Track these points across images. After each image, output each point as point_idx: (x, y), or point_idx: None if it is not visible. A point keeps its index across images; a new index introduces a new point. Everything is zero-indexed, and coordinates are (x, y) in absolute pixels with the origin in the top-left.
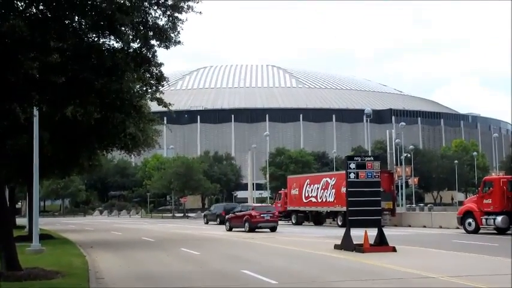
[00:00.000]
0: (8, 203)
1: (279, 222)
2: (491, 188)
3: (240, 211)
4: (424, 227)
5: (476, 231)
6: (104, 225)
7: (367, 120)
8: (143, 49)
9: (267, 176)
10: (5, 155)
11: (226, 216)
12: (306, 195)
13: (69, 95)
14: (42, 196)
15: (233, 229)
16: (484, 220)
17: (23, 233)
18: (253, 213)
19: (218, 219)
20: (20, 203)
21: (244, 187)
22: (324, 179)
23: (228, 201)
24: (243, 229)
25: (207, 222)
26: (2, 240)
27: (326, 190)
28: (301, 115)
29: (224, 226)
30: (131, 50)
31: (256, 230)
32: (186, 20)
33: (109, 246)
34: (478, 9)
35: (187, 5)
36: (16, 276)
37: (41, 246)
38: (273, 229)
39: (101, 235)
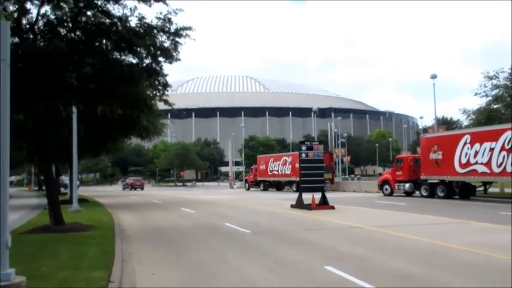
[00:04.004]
0: (54, 176)
1: (251, 189)
2: (401, 164)
3: (129, 180)
4: (354, 191)
5: (391, 194)
6: (124, 192)
7: (314, 116)
8: (153, 64)
9: (243, 155)
10: (51, 141)
11: (122, 184)
12: (270, 169)
13: (98, 98)
14: (79, 171)
15: (125, 189)
16: (396, 186)
17: (65, 198)
18: (132, 181)
19: (129, 187)
20: (63, 176)
21: (226, 164)
22: (283, 158)
23: (214, 174)
24: (128, 188)
25: (124, 189)
26: (52, 203)
27: (285, 166)
28: (267, 112)
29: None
30: (144, 65)
31: (137, 189)
32: (185, 43)
33: (128, 207)
34: (394, 34)
35: (185, 33)
36: (61, 229)
37: (79, 207)
38: (142, 189)
39: (123, 199)
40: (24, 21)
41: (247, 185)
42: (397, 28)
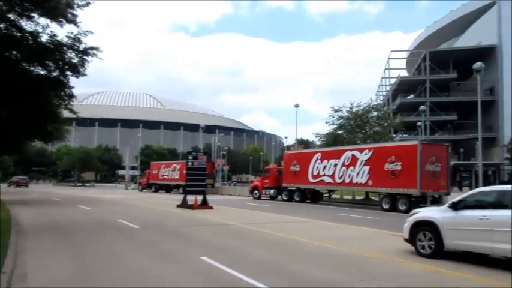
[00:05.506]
0: None
1: (144, 190)
2: (268, 173)
3: (15, 179)
4: (230, 195)
5: (259, 197)
6: (25, 190)
7: (201, 131)
8: (60, 76)
9: (139, 161)
10: None
11: (8, 182)
12: (162, 174)
13: (6, 102)
14: None
15: (10, 186)
16: (264, 191)
17: None
18: (17, 179)
19: (14, 184)
20: None
21: (124, 168)
22: (173, 165)
23: (112, 177)
24: (14, 186)
25: (9, 186)
26: None
27: (174, 171)
28: (162, 125)
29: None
30: (52, 77)
31: (21, 186)
32: (92, 61)
33: (28, 203)
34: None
35: (93, 52)
36: None
37: None
38: (26, 186)
39: (23, 196)
40: None
41: (140, 186)
42: (271, 67)
